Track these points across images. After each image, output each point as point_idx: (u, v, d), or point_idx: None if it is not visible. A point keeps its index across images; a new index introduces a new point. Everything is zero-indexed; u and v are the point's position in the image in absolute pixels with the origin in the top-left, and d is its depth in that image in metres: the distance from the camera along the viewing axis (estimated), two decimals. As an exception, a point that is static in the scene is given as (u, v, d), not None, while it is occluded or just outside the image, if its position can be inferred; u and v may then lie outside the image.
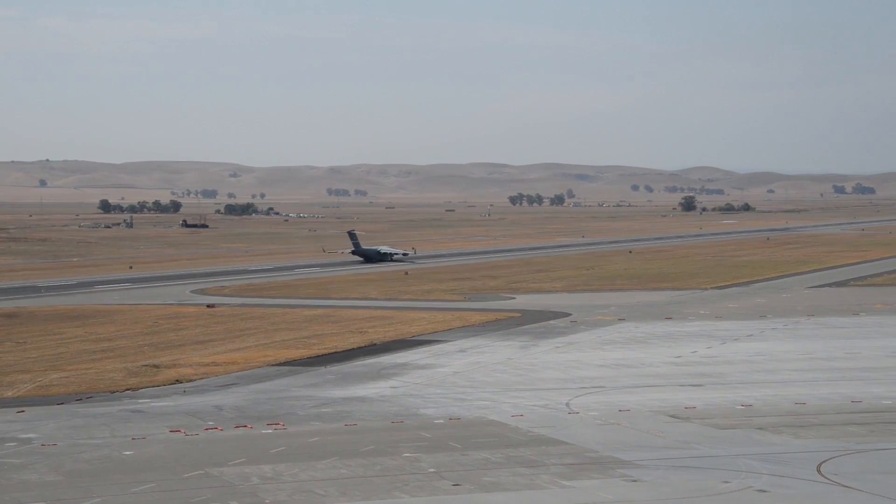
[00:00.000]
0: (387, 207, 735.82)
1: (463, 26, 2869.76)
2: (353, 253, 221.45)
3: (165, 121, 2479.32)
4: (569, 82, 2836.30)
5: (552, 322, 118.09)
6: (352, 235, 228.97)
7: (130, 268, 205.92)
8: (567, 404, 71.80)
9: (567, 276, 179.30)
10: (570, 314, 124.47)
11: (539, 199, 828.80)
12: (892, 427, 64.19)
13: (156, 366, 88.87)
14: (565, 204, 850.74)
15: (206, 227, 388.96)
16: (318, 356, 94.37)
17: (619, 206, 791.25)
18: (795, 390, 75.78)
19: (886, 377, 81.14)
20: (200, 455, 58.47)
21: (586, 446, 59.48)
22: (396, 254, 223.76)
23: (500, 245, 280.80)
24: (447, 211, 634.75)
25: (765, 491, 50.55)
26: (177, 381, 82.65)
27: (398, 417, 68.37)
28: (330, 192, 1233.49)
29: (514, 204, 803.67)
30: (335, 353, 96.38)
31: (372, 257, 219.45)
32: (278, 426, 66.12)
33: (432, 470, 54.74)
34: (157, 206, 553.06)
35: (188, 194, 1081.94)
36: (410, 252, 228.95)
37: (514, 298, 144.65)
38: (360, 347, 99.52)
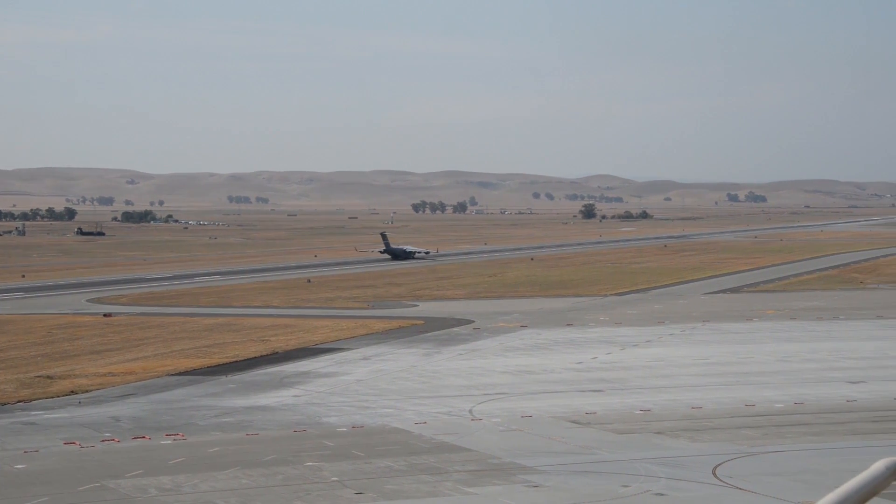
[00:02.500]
0: (289, 215, 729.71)
1: (363, 34, 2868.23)
2: (384, 252, 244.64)
3: (58, 126, 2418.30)
4: (470, 91, 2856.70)
5: (455, 329, 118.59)
6: (384, 236, 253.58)
7: (23, 276, 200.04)
8: (470, 411, 72.16)
9: (470, 283, 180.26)
10: (473, 321, 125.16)
11: (442, 207, 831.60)
12: (783, 430, 66.11)
13: (49, 377, 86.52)
14: (468, 211, 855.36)
15: (103, 234, 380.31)
16: (219, 365, 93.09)
17: (520, 213, 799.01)
18: (692, 395, 77.46)
19: (778, 381, 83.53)
20: (96, 467, 57.14)
21: (489, 453, 59.86)
22: (419, 252, 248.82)
23: (348, 256, 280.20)
24: (350, 218, 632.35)
25: (662, 494, 51.56)
26: (72, 392, 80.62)
27: (301, 426, 67.86)
28: (231, 199, 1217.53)
29: (417, 211, 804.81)
30: (237, 361, 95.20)
31: (399, 255, 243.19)
32: (178, 437, 65.00)
33: (335, 479, 54.46)
34: (51, 214, 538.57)
35: (83, 201, 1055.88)
36: (433, 251, 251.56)
37: (417, 306, 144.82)
38: (262, 356, 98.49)
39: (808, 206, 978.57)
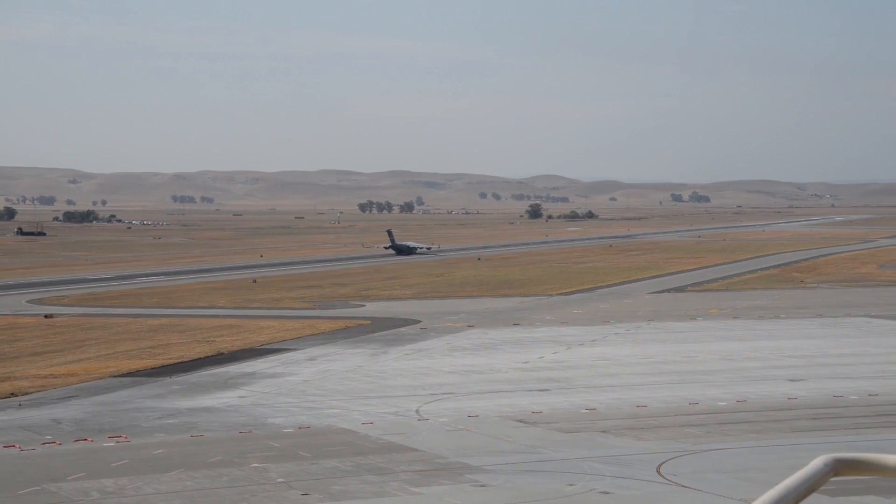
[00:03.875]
0: (234, 214, 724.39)
1: (308, 33, 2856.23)
2: (388, 247, 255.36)
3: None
4: (416, 90, 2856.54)
5: (402, 329, 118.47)
6: (389, 233, 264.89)
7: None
8: (417, 411, 72.16)
9: (417, 283, 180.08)
10: (420, 321, 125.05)
11: (389, 207, 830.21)
12: (726, 428, 67.00)
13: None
14: (415, 211, 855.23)
15: (44, 234, 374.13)
16: (162, 366, 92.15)
17: (467, 213, 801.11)
18: (637, 393, 78.16)
19: (721, 379, 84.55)
20: (37, 471, 56.26)
21: (435, 452, 59.94)
22: (421, 248, 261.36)
23: (353, 252, 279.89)
24: (296, 218, 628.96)
25: (607, 493, 51.97)
26: (11, 394, 79.26)
27: (246, 427, 67.41)
28: (175, 199, 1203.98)
29: (363, 212, 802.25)
30: (181, 362, 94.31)
31: (402, 250, 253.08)
32: (121, 439, 64.23)
33: (281, 480, 54.19)
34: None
35: (24, 201, 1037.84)
36: (434, 247, 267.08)
37: (364, 306, 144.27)
38: (206, 357, 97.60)
39: (740, 207, 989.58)
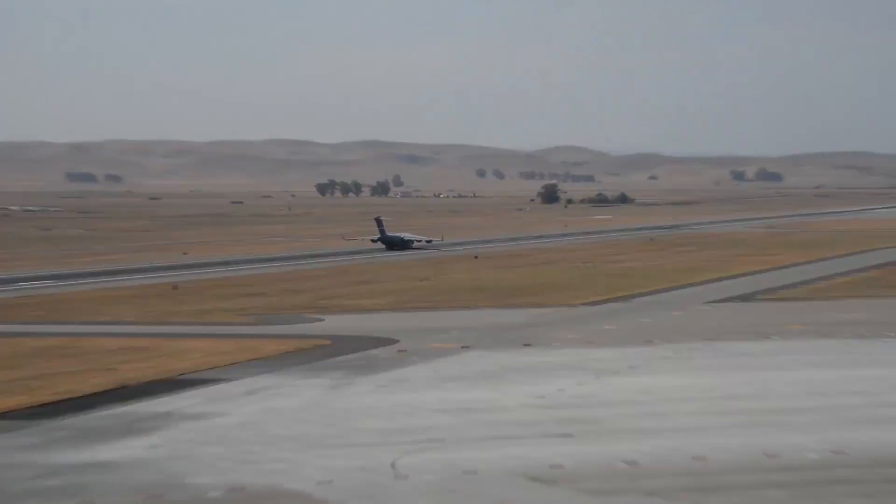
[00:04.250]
0: (150, 199, 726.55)
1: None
2: (377, 240, 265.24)
3: None
4: (393, 39, 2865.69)
5: (374, 352, 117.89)
6: (378, 222, 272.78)
7: None
8: (393, 465, 70.88)
9: (394, 289, 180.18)
10: (399, 341, 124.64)
11: (357, 188, 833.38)
12: (819, 490, 65.30)
13: None
14: (391, 194, 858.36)
15: None
16: (44, 405, 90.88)
17: (461, 196, 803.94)
18: (693, 441, 76.80)
19: (807, 421, 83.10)
20: None
21: (419, 525, 58.56)
22: (419, 241, 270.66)
23: (309, 248, 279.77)
24: (233, 203, 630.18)
25: (659, 583, 50.27)
26: None
27: (156, 490, 65.73)
28: (71, 176, 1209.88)
29: (323, 194, 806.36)
30: (70, 399, 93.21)
31: (396, 244, 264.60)
32: (-20, 508, 62.54)
33: (203, 566, 52.30)
34: None
35: None
36: (437, 239, 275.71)
37: (322, 320, 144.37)
38: (106, 391, 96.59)
39: (819, 187, 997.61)
